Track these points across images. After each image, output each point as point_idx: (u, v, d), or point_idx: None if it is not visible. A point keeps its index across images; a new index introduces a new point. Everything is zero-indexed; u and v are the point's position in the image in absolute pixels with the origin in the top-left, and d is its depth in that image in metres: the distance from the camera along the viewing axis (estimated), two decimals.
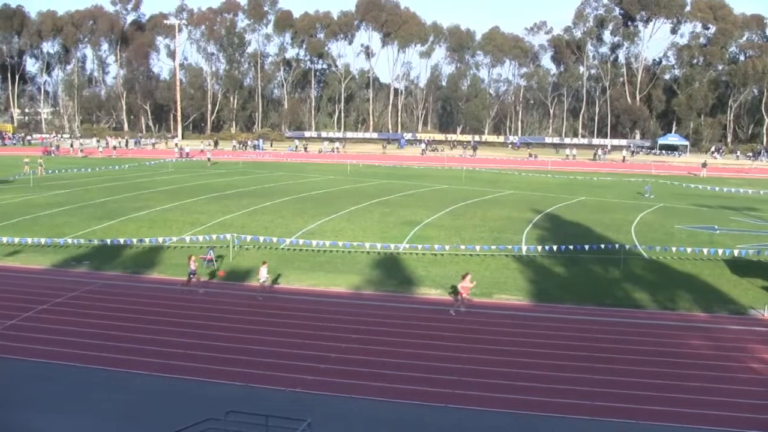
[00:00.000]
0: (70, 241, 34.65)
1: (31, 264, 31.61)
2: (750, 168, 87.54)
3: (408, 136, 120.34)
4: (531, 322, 24.64)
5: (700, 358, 21.18)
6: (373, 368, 20.12)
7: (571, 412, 17.45)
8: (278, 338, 22.41)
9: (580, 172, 76.81)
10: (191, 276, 27.26)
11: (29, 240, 34.14)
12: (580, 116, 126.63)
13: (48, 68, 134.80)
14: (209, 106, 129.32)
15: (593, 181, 68.55)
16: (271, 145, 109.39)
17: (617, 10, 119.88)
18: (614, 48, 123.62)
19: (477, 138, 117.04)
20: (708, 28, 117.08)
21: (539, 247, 34.43)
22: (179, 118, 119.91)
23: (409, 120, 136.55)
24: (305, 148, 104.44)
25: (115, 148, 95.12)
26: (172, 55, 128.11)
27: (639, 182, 65.54)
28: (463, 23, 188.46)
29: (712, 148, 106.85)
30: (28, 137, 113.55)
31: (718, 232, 41.21)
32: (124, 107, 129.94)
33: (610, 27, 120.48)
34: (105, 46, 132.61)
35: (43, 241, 34.19)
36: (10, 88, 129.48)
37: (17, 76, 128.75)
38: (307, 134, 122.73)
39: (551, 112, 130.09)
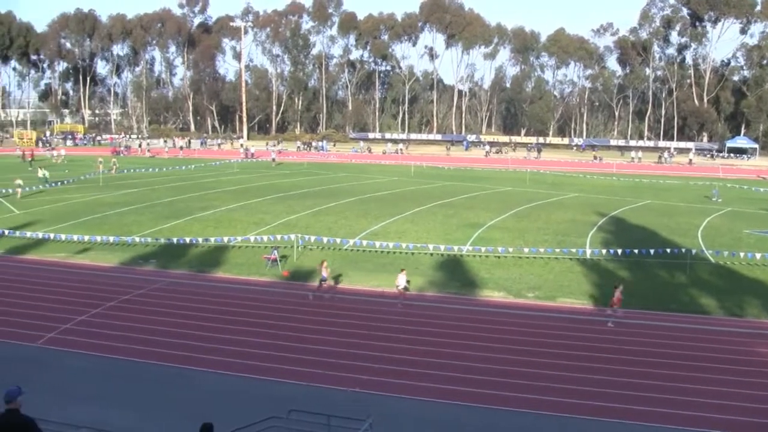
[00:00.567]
0: (137, 239, 35.33)
1: (100, 261, 32.33)
2: None
3: (472, 137, 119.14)
4: (595, 327, 24.12)
5: None
6: (447, 371, 19.79)
7: (635, 418, 16.99)
8: (340, 338, 22.33)
9: (645, 175, 74.74)
10: (322, 282, 27.31)
11: (98, 238, 34.98)
12: (646, 118, 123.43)
13: (118, 70, 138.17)
14: (274, 107, 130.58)
15: (659, 184, 66.72)
16: (335, 146, 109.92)
17: (684, 11, 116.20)
18: (681, 49, 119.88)
19: (541, 140, 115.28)
20: None
21: (604, 251, 33.80)
22: (245, 119, 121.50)
23: (472, 122, 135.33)
24: (369, 149, 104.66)
25: (181, 148, 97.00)
26: (237, 56, 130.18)
27: (706, 186, 63.63)
28: (528, 25, 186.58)
29: None
30: (98, 138, 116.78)
31: None
32: (191, 108, 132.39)
33: (677, 27, 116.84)
34: (172, 48, 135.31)
35: (111, 239, 34.96)
36: (81, 89, 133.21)
37: (88, 78, 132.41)
38: (371, 135, 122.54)
39: (616, 114, 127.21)
